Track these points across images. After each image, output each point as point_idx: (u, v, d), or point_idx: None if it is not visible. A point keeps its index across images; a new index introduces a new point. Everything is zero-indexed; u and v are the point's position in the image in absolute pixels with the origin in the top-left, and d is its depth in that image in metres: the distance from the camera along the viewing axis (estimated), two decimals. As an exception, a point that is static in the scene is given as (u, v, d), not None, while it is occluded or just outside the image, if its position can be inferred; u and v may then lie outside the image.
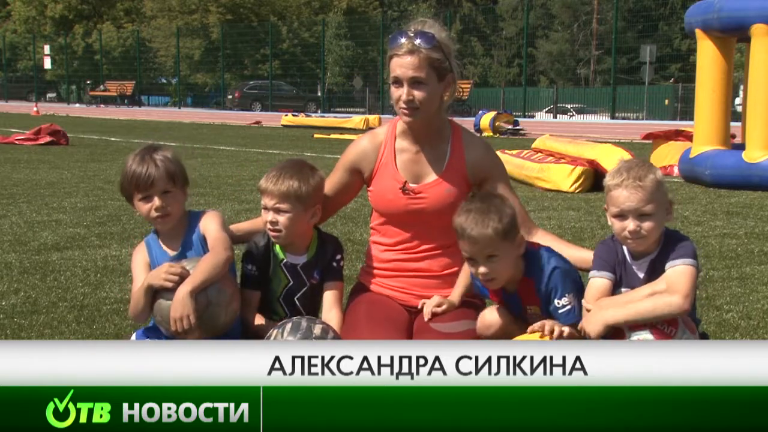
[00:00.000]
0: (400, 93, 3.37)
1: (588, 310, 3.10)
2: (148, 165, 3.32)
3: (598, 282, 3.14)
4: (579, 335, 3.07)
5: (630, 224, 3.07)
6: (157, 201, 3.30)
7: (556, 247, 3.28)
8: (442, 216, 3.48)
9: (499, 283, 3.12)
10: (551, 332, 3.01)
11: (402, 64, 3.34)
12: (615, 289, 3.15)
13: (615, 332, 3.06)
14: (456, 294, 3.45)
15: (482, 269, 3.06)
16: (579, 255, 3.37)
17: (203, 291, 3.17)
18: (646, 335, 3.01)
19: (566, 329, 3.03)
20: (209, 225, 3.38)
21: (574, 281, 3.15)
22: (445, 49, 3.39)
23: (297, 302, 3.50)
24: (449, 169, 3.50)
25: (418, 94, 3.35)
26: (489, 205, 3.06)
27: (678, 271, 3.03)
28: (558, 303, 3.08)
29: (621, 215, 3.09)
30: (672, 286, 3.01)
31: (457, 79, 3.49)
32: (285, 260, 3.48)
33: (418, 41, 3.33)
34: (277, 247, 3.48)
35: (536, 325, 3.06)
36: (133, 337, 3.38)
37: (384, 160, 3.54)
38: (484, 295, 3.40)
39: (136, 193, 3.33)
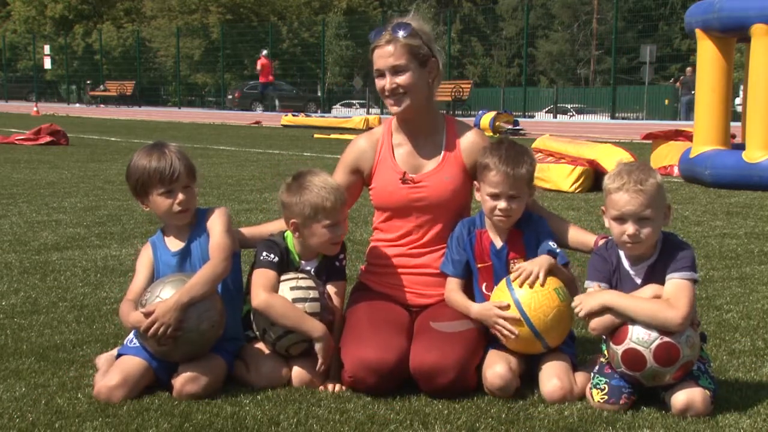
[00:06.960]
0: (383, 83, 3.47)
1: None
2: (171, 160, 3.34)
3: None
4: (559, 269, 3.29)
5: (629, 228, 3.07)
6: (181, 196, 3.34)
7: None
8: (443, 204, 3.53)
9: (512, 222, 3.36)
10: (528, 275, 3.22)
11: (381, 54, 3.45)
12: None
13: (617, 327, 3.07)
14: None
15: (505, 204, 3.31)
16: (581, 238, 3.52)
17: (194, 308, 3.18)
18: (648, 331, 3.02)
19: (542, 271, 3.22)
20: (215, 226, 3.39)
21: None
22: (423, 36, 3.46)
23: None
24: (446, 157, 3.56)
25: (400, 80, 3.43)
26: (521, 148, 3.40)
27: (679, 287, 3.05)
28: (552, 244, 3.35)
29: (620, 218, 3.10)
30: (673, 301, 3.01)
31: (441, 68, 3.52)
32: (300, 266, 3.51)
33: (394, 31, 3.43)
34: (294, 254, 3.50)
35: (514, 274, 3.26)
36: (131, 336, 3.40)
37: (382, 156, 3.60)
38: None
39: (157, 187, 3.33)
